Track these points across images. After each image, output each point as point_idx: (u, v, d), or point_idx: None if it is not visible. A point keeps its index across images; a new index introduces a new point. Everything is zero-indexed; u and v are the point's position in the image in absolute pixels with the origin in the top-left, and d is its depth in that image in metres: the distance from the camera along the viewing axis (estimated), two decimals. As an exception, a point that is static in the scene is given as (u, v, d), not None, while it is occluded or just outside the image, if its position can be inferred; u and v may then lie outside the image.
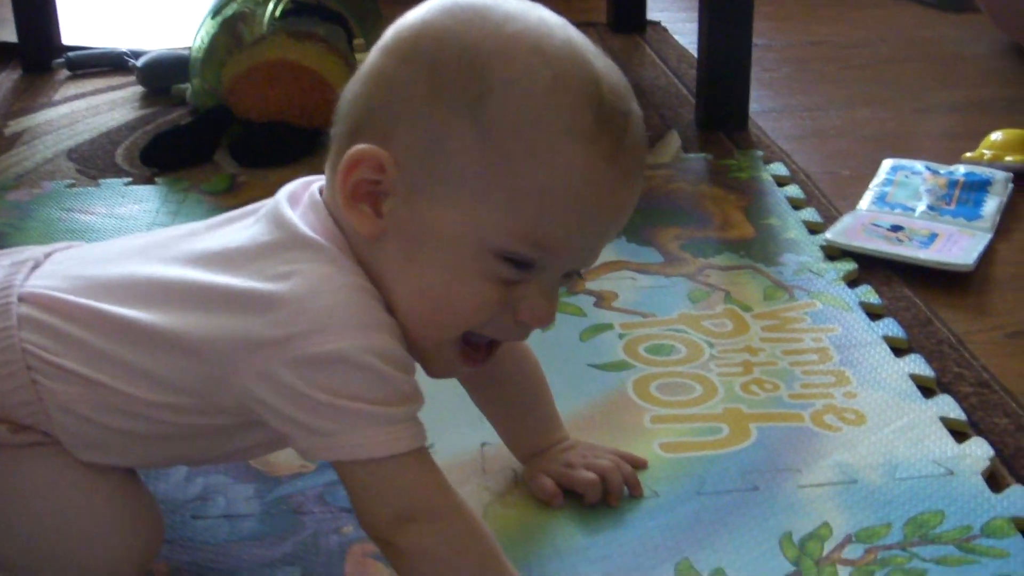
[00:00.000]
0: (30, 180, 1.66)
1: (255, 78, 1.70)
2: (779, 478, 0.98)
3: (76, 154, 1.77)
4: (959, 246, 1.38)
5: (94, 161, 1.74)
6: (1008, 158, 1.61)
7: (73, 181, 1.65)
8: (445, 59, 0.73)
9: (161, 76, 2.01)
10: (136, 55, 2.10)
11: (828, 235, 1.40)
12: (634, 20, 2.39)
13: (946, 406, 1.08)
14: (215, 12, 1.82)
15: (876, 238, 1.40)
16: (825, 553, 0.89)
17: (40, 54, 2.19)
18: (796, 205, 1.53)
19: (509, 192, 0.72)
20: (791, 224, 1.47)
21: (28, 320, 0.79)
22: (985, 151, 1.64)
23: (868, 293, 1.29)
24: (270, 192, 0.82)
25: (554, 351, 1.17)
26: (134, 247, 0.85)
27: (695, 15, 1.84)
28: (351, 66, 1.69)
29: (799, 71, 2.18)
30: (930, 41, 2.32)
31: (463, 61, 0.72)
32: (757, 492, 0.97)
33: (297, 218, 0.77)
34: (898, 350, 1.18)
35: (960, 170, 1.57)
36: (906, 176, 1.56)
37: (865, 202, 1.51)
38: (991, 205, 1.49)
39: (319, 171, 0.82)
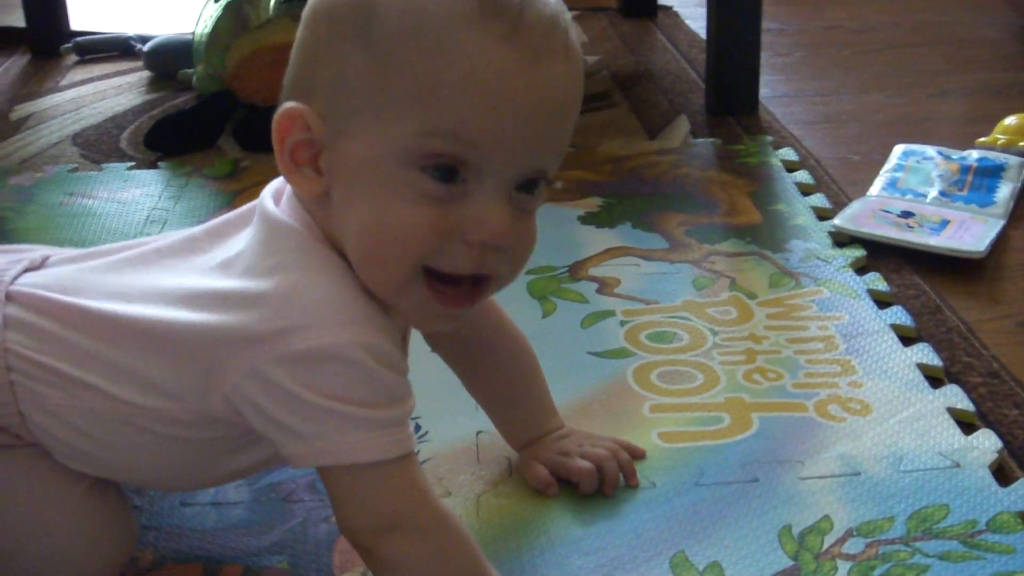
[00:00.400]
0: (33, 164, 1.65)
1: (259, 62, 1.69)
2: (780, 470, 0.96)
3: (81, 139, 1.76)
4: (971, 233, 1.35)
5: (98, 146, 1.73)
6: (1022, 143, 1.58)
7: (76, 165, 1.64)
8: (338, 5, 0.73)
9: (168, 61, 2.01)
10: (143, 40, 2.10)
11: (836, 221, 1.38)
12: (645, 5, 2.37)
13: (954, 397, 1.06)
14: (220, -4, 1.81)
15: (886, 224, 1.37)
16: (825, 547, 0.87)
17: (48, 39, 2.18)
18: (805, 191, 1.51)
19: (405, 95, 0.70)
20: (799, 210, 1.45)
21: (14, 320, 0.78)
22: (999, 136, 1.61)
23: (876, 280, 1.26)
24: (273, 177, 0.81)
25: (554, 338, 1.15)
26: (133, 255, 0.83)
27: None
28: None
29: (812, 56, 2.15)
30: (944, 25, 2.29)
31: (353, 1, 0.72)
32: (757, 484, 0.95)
33: (278, 212, 0.76)
34: (906, 339, 1.16)
35: (973, 155, 1.54)
36: (918, 161, 1.54)
37: (875, 188, 1.49)
38: (1004, 191, 1.46)
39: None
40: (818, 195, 1.49)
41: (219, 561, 0.87)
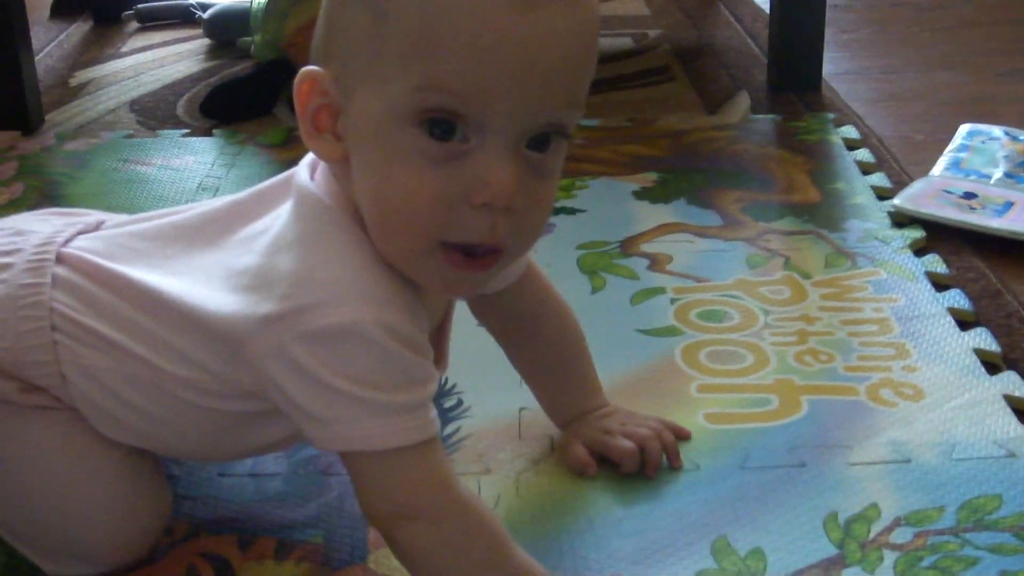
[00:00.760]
0: (89, 130, 1.66)
1: (316, 30, 1.68)
2: (828, 455, 0.94)
3: (138, 105, 1.77)
4: (1036, 216, 1.32)
5: (155, 112, 1.73)
6: (1093, 125, 1.54)
7: (132, 132, 1.65)
8: None
9: (227, 29, 2.01)
10: (204, 7, 2.10)
11: (896, 201, 1.35)
12: (710, -22, 2.34)
13: (1011, 383, 1.03)
14: (278, -37, 1.80)
15: (947, 205, 1.34)
16: (871, 536, 0.85)
17: (110, 6, 2.20)
18: (866, 170, 1.47)
19: (400, 50, 0.68)
20: (858, 189, 1.41)
21: (63, 280, 0.80)
22: (1069, 117, 1.57)
23: (935, 262, 1.23)
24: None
25: (602, 315, 1.13)
26: (180, 220, 0.84)
27: (772, -26, 1.78)
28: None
29: (878, 33, 2.10)
30: (1015, 4, 2.23)
31: None
32: (804, 469, 0.92)
33: (310, 184, 0.75)
34: (964, 323, 1.12)
35: (1041, 137, 1.50)
36: (983, 142, 1.50)
37: (938, 168, 1.45)
38: (1073, 174, 1.42)
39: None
40: (879, 174, 1.46)
41: (253, 533, 0.86)
